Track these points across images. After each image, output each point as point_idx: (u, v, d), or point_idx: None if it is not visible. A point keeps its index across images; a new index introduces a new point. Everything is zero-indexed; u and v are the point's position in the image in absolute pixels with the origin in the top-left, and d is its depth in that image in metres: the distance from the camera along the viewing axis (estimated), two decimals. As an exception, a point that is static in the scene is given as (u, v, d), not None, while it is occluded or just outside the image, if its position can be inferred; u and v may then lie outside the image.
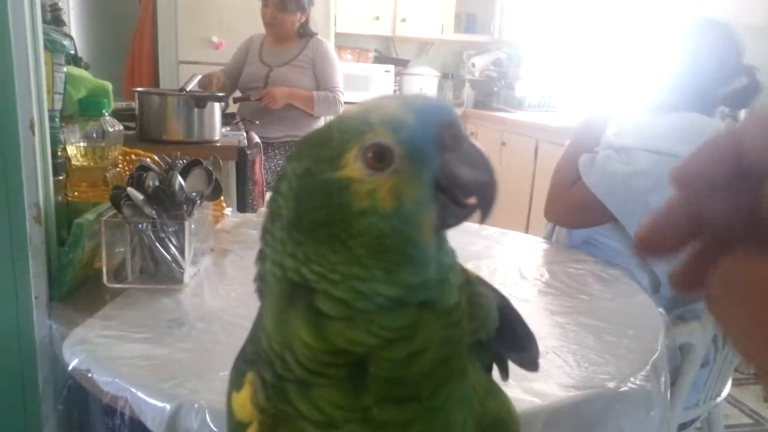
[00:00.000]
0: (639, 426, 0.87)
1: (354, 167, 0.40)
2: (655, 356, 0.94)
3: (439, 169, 0.40)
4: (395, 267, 0.40)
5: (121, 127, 1.30)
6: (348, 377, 0.41)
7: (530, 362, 0.53)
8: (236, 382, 0.48)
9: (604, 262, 1.39)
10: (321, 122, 2.71)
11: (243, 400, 0.46)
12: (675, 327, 1.21)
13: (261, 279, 0.46)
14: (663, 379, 0.95)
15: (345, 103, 2.66)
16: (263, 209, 1.57)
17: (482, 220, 0.41)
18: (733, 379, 1.90)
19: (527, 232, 2.22)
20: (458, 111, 4.23)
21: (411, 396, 0.43)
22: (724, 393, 1.51)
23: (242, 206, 1.92)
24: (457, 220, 0.41)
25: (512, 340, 0.52)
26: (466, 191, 0.41)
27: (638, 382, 0.87)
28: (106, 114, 1.26)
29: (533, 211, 3.36)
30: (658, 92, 1.48)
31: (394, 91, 4.06)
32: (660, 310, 1.13)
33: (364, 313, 0.41)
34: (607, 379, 0.86)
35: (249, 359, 0.47)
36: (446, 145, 0.40)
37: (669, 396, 0.99)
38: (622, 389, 0.85)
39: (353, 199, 0.40)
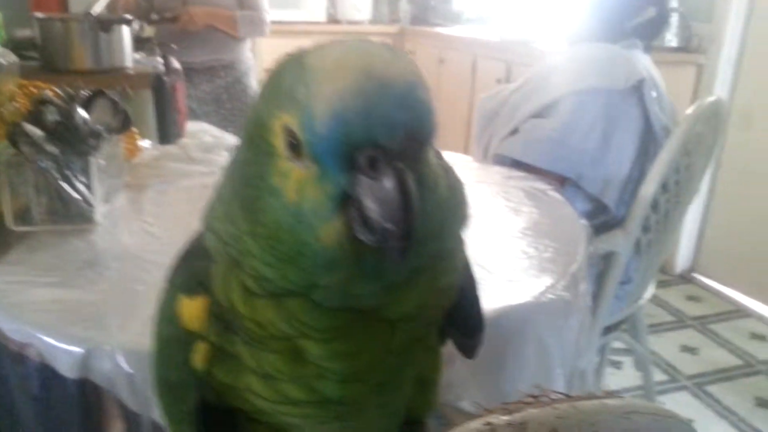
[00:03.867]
0: (558, 334, 0.90)
1: (279, 141, 0.35)
2: (574, 267, 0.96)
3: (350, 185, 0.34)
4: (285, 259, 0.36)
5: (16, 59, 1.18)
6: (288, 348, 0.40)
7: (469, 349, 0.50)
8: (187, 286, 0.44)
9: (534, 177, 1.39)
10: (247, 44, 2.56)
11: (197, 310, 0.43)
12: (598, 236, 1.24)
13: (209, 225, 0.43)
14: (582, 287, 0.98)
15: (271, 22, 2.52)
16: (185, 140, 1.49)
17: (393, 260, 0.34)
18: (658, 281, 2.01)
19: (466, 153, 2.22)
20: (395, 29, 4.08)
21: (355, 379, 0.41)
22: (647, 295, 1.59)
23: (164, 137, 1.81)
24: (368, 240, 0.35)
25: (460, 322, 0.48)
26: (371, 226, 0.34)
27: (557, 293, 0.89)
28: (-5, 43, 1.13)
29: (472, 130, 3.34)
30: (572, 22, 1.47)
31: (328, 10, 3.84)
32: (583, 221, 1.15)
33: (283, 297, 0.38)
34: (526, 291, 0.88)
35: (200, 275, 0.43)
36: (361, 165, 0.33)
37: (590, 303, 1.03)
38: (541, 300, 0.87)
39: (271, 172, 0.36)
